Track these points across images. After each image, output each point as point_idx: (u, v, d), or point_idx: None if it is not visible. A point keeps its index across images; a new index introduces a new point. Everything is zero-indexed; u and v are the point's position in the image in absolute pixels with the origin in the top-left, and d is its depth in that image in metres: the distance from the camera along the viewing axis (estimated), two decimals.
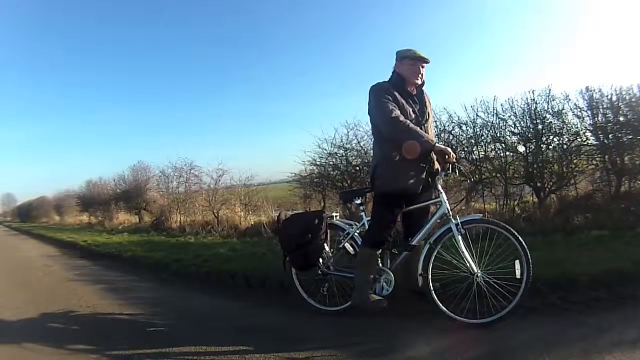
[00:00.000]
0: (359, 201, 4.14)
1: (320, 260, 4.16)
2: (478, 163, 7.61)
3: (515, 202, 7.57)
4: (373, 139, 4.00)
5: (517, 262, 3.36)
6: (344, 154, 9.39)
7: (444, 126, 7.79)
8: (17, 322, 5.03)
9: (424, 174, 3.62)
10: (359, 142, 9.14)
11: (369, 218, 3.90)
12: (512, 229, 3.44)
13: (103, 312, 5.09)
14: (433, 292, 3.55)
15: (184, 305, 5.05)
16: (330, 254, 4.26)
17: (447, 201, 3.64)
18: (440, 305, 3.51)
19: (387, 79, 3.78)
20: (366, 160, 8.70)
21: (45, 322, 4.92)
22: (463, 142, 7.73)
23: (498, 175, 7.53)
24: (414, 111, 3.65)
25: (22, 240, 20.15)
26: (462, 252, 3.48)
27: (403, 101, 3.60)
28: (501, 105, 7.45)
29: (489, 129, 7.53)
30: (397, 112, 3.48)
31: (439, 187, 3.66)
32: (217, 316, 4.52)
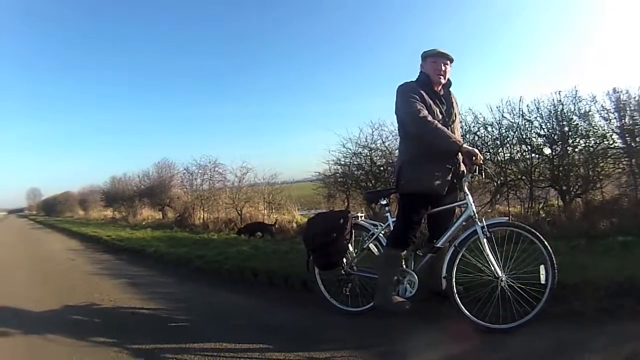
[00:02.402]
0: (384, 202, 4.10)
1: (344, 260, 4.16)
2: (503, 165, 7.51)
3: (540, 206, 7.46)
4: (399, 139, 3.98)
5: (542, 267, 3.30)
6: (368, 154, 9.35)
7: (469, 127, 7.68)
8: (39, 313, 5.15)
9: (450, 175, 3.58)
10: (383, 142, 9.12)
11: (394, 219, 3.87)
12: (537, 233, 3.39)
13: (125, 306, 5.16)
14: (456, 295, 3.49)
15: (206, 302, 5.08)
16: (354, 254, 4.25)
17: (473, 203, 3.59)
18: (463, 308, 3.45)
19: (414, 79, 3.75)
20: (390, 161, 8.65)
21: (66, 315, 5.01)
22: (488, 143, 7.60)
23: (523, 177, 7.41)
24: (441, 111, 3.61)
25: (46, 234, 20.61)
26: (487, 255, 3.42)
27: (430, 101, 3.57)
28: (527, 106, 7.31)
29: (514, 130, 7.41)
30: (425, 111, 3.44)
31: (465, 189, 3.61)
32: (239, 313, 4.53)
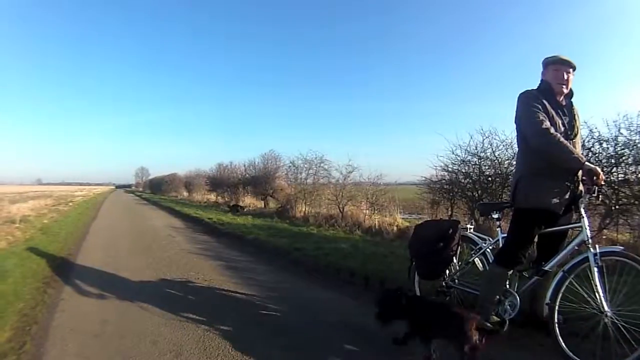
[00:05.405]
0: (496, 215, 4.04)
1: (447, 271, 4.16)
2: (616, 187, 7.08)
3: None
4: (517, 150, 3.87)
5: None
6: (477, 163, 9.17)
7: (584, 141, 7.28)
8: (136, 282, 5.72)
9: (569, 193, 3.48)
10: (493, 152, 8.87)
11: (504, 235, 3.80)
12: None
13: (219, 287, 5.52)
14: (556, 325, 3.37)
15: (299, 294, 5.27)
16: (458, 267, 4.23)
17: (588, 227, 3.43)
18: (561, 341, 3.32)
19: (535, 87, 3.67)
20: (499, 172, 8.53)
21: (161, 287, 5.49)
22: (602, 161, 7.15)
23: (636, 202, 6.94)
24: (563, 124, 3.51)
25: (150, 210, 22.39)
26: (596, 286, 3.25)
27: (553, 112, 3.48)
28: None
29: (631, 148, 6.96)
30: (547, 123, 3.37)
31: (582, 210, 3.47)
32: (330, 311, 4.63)
